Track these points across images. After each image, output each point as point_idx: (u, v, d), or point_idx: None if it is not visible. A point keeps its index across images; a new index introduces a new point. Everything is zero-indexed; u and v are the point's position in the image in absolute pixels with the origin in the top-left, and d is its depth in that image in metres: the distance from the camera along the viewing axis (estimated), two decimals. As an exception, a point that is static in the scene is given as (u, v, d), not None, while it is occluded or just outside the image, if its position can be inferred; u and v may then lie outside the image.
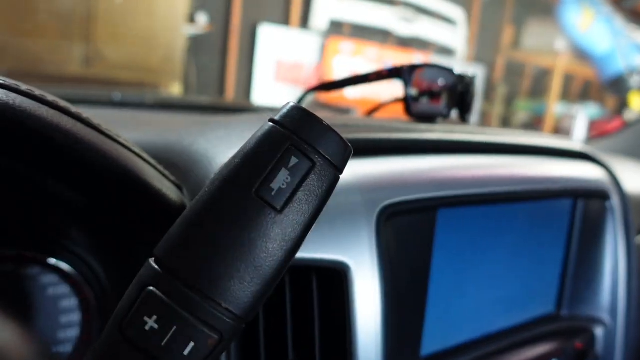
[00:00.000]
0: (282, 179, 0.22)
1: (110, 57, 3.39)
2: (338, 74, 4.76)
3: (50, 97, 0.28)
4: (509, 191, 0.50)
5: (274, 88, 4.59)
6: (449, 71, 0.57)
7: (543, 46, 5.71)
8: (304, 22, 4.75)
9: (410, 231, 0.42)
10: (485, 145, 0.51)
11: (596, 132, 5.15)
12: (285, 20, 4.66)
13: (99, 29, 3.40)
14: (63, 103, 0.29)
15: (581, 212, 0.60)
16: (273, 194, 0.22)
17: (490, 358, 0.50)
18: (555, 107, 5.80)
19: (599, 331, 0.60)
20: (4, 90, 0.26)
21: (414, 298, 0.44)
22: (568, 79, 6.22)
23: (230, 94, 4.36)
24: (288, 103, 0.24)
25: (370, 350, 0.37)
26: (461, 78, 0.58)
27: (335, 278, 0.36)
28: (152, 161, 0.35)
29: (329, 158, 0.23)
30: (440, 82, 0.57)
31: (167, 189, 0.33)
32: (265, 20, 4.47)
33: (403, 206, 0.40)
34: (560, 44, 5.55)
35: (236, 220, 0.21)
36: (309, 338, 0.36)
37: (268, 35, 4.47)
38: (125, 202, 0.30)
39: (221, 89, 4.36)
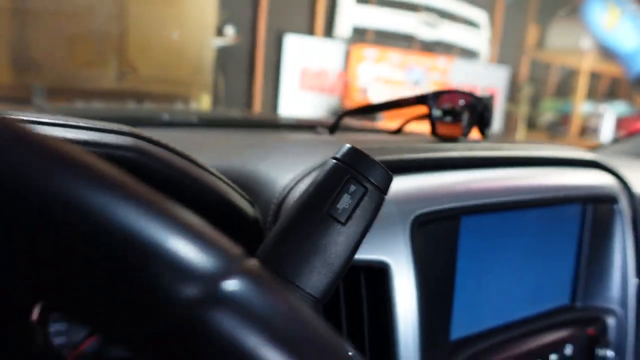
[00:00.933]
0: (345, 201, 0.32)
1: (143, 71, 3.52)
2: (362, 80, 4.84)
3: (163, 141, 0.38)
4: (523, 199, 0.58)
5: (300, 96, 4.69)
6: (469, 94, 0.65)
7: (568, 45, 5.69)
8: (328, 30, 4.84)
9: (438, 235, 0.51)
10: (501, 159, 0.60)
11: (625, 129, 5.11)
12: (309, 30, 4.76)
13: (131, 44, 3.55)
14: (164, 142, 0.38)
15: (591, 215, 0.68)
16: (339, 212, 0.32)
17: (511, 343, 0.58)
18: (581, 107, 5.77)
19: (610, 320, 0.68)
20: (135, 139, 0.35)
21: (443, 291, 0.53)
22: (594, 78, 6.18)
23: (258, 103, 4.47)
24: (345, 145, 0.34)
25: (409, 334, 0.46)
26: (480, 99, 0.66)
27: (379, 275, 0.45)
28: (231, 184, 0.44)
29: (377, 184, 0.33)
30: (461, 103, 0.65)
31: (246, 206, 0.43)
32: (290, 30, 4.57)
33: (432, 215, 0.49)
34: (586, 43, 5.53)
35: (314, 232, 0.31)
36: (358, 326, 0.45)
37: (293, 44, 4.57)
38: (222, 222, 0.40)
39: (249, 98, 4.48)
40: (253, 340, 0.15)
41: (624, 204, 0.70)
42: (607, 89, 6.62)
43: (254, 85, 4.49)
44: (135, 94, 3.44)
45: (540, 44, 5.98)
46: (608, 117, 5.22)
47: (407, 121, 0.78)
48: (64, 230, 0.15)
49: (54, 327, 0.41)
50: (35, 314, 0.23)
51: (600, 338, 0.64)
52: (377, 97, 4.77)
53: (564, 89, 6.17)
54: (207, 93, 3.83)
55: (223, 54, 4.05)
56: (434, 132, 0.63)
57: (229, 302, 0.15)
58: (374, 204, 0.33)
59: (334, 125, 0.71)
